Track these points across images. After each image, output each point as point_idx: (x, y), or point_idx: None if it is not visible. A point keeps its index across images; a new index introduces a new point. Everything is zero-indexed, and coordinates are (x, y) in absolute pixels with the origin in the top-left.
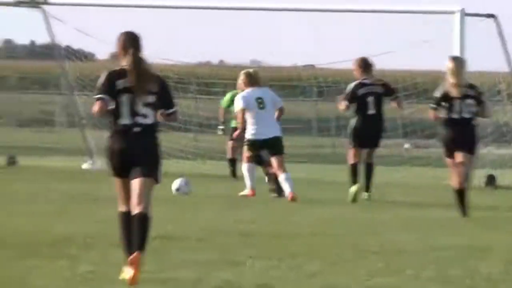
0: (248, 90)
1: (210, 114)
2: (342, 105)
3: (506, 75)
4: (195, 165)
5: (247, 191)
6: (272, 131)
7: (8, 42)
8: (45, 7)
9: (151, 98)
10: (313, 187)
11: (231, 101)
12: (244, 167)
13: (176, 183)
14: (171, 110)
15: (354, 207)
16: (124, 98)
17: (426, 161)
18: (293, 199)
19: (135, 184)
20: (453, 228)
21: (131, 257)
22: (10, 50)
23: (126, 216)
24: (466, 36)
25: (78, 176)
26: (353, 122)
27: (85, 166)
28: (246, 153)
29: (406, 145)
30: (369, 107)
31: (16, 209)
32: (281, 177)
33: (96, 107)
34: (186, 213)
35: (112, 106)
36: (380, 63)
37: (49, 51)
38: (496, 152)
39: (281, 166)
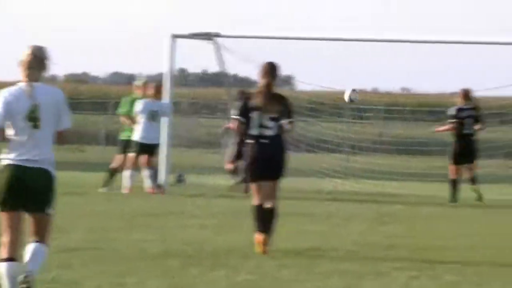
0: None
1: (363, 137)
2: None
3: None
4: (346, 184)
5: None
6: None
7: (182, 70)
8: (217, 39)
9: (275, 114)
10: (452, 206)
11: None
12: None
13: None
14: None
15: (491, 224)
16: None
17: None
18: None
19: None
20: None
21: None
22: (184, 78)
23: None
24: None
25: (236, 193)
26: None
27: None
28: None
29: None
30: None
31: (183, 223)
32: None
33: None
34: (337, 228)
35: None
36: None
37: (219, 79)
38: None
39: None
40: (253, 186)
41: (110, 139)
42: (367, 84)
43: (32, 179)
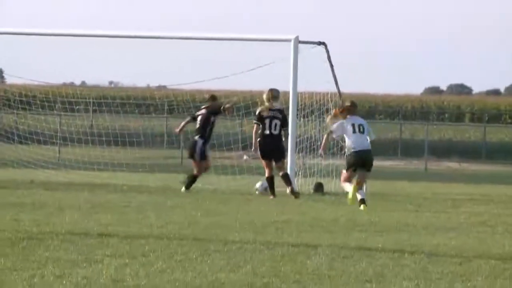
0: None
1: (74, 130)
2: None
3: (333, 95)
4: (59, 174)
5: None
6: None
7: None
8: None
9: None
10: (160, 195)
11: None
12: None
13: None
14: None
15: (195, 212)
16: None
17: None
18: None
19: None
20: (285, 229)
21: None
22: None
23: None
24: (300, 60)
25: None
26: None
27: None
28: None
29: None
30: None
31: None
32: None
33: None
34: (52, 217)
35: None
36: (230, 84)
37: None
38: (324, 162)
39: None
40: None
41: None
42: (76, 78)
43: None
